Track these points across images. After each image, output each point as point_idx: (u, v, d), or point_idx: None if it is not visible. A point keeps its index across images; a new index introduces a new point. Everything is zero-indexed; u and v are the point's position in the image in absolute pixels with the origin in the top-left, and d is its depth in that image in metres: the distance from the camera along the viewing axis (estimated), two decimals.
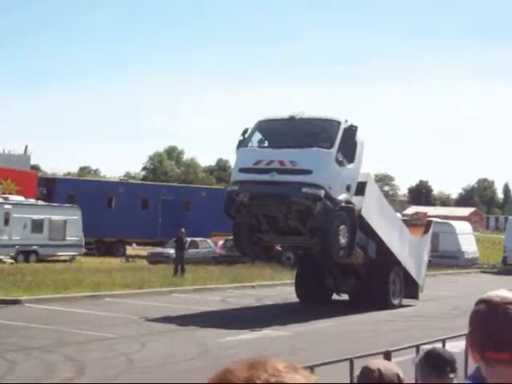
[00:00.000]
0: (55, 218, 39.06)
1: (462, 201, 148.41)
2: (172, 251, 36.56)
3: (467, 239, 50.40)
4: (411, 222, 30.61)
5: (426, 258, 29.08)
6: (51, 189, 45.31)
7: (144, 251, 45.64)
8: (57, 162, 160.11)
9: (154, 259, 40.43)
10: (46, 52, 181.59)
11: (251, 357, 1.57)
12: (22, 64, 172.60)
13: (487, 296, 2.30)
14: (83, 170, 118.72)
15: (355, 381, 4.23)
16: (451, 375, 4.66)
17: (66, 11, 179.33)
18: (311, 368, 9.53)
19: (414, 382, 4.95)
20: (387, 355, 10.38)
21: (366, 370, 4.01)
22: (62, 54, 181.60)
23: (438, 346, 6.49)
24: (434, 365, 4.70)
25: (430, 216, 41.83)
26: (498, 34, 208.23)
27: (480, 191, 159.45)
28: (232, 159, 27.15)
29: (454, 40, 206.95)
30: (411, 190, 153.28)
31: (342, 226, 23.10)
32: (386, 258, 25.72)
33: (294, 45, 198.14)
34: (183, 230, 34.49)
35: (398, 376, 3.95)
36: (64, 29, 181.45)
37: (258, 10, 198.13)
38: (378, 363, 4.15)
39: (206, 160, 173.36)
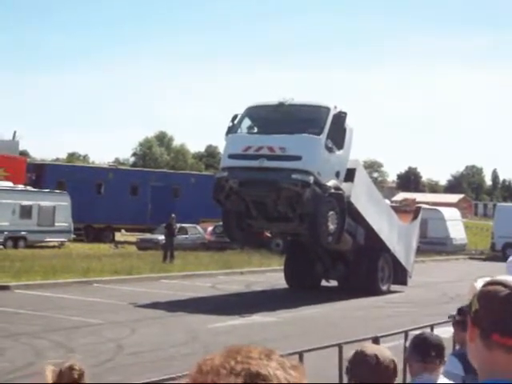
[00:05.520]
0: (44, 203, 38.95)
1: (451, 187, 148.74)
2: (161, 237, 36.56)
3: (456, 226, 50.57)
4: (400, 209, 30.71)
5: (414, 244, 29.16)
6: (40, 175, 45.17)
7: (133, 237, 45.64)
8: (45, 148, 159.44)
9: (143, 245, 40.43)
10: (32, 37, 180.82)
11: (239, 343, 1.57)
12: (8, 49, 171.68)
13: (504, 279, 2.28)
14: (72, 155, 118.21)
15: (345, 365, 4.25)
16: (437, 361, 4.67)
17: None
18: (300, 354, 9.58)
19: (401, 366, 4.96)
20: (376, 341, 10.43)
21: (361, 355, 4.00)
22: (49, 39, 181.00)
23: (427, 331, 6.50)
24: (420, 349, 4.71)
25: (419, 202, 41.97)
26: (485, 20, 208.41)
27: (468, 178, 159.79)
28: (221, 145, 27.19)
29: (441, 25, 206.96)
30: (400, 177, 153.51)
31: (330, 212, 23.14)
32: (374, 245, 25.77)
33: (283, 30, 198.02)
34: (173, 215, 34.47)
35: (393, 362, 3.97)
36: (49, 12, 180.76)
37: None
38: (374, 348, 4.16)
39: (196, 146, 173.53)
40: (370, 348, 4.10)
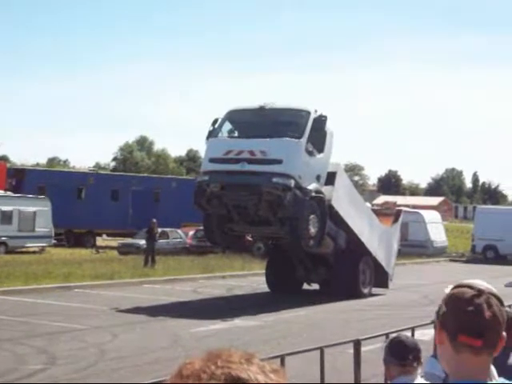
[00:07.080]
0: (24, 209, 38.78)
1: (431, 190, 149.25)
2: (142, 242, 36.47)
3: (436, 228, 50.74)
4: (381, 212, 30.77)
5: (395, 247, 29.25)
6: (20, 180, 44.94)
7: (114, 242, 45.48)
8: (25, 153, 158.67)
9: (124, 250, 40.28)
10: (10, 41, 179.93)
11: (220, 347, 1.58)
12: None
13: (470, 282, 2.32)
14: (52, 160, 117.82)
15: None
16: (414, 363, 4.72)
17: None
18: (282, 357, 9.59)
19: (383, 369, 5.01)
20: (357, 344, 10.46)
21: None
22: (28, 42, 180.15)
23: (406, 333, 6.57)
24: (396, 352, 4.76)
25: (400, 205, 42.12)
26: (468, 22, 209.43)
27: (449, 180, 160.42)
28: (202, 150, 27.16)
29: (423, 28, 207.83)
30: (381, 180, 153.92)
31: (311, 216, 23.18)
32: (355, 248, 25.82)
33: (263, 33, 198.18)
34: (154, 220, 34.37)
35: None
36: (28, 16, 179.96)
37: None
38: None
39: (177, 150, 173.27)
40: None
